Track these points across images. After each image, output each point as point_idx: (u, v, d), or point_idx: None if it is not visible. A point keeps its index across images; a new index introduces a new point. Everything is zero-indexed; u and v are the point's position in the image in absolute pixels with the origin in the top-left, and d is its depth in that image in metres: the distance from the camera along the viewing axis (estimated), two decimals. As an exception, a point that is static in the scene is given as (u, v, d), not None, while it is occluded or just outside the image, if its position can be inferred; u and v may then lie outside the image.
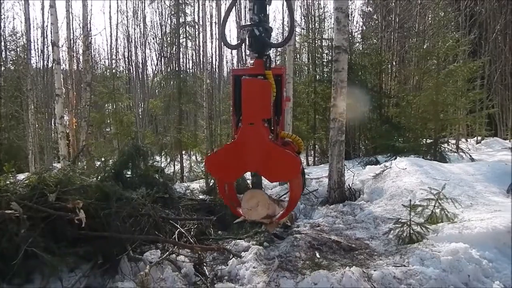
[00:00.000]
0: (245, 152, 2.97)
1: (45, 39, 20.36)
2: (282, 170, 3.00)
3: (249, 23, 3.09)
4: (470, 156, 10.52)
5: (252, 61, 3.11)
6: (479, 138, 16.72)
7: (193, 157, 16.27)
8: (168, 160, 13.29)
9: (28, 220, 3.40)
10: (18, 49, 19.53)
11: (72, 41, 16.21)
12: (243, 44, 3.49)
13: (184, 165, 13.80)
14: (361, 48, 16.49)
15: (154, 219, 4.57)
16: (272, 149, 2.99)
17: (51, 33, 10.65)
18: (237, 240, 4.93)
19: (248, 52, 3.35)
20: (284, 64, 12.96)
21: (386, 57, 15.56)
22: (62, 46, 14.75)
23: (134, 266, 3.87)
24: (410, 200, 5.07)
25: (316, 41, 16.11)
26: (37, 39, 21.78)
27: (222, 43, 3.65)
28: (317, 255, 4.34)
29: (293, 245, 4.53)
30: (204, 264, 4.21)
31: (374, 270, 3.72)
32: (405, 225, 4.64)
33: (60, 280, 3.38)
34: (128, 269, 3.80)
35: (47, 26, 19.43)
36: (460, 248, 3.99)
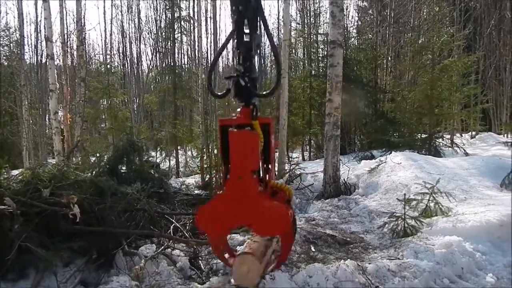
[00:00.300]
0: (234, 206, 2.87)
1: (39, 34, 20.15)
2: (272, 224, 2.87)
3: (234, 74, 3.13)
4: (465, 150, 10.58)
5: (239, 110, 3.00)
6: (474, 133, 16.82)
7: (189, 153, 16.27)
8: (164, 155, 13.28)
9: (22, 215, 3.38)
10: (11, 44, 19.32)
11: (66, 36, 16.08)
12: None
13: (179, 160, 13.79)
14: (356, 43, 16.50)
15: (149, 213, 4.56)
16: (261, 203, 2.88)
17: (45, 28, 10.53)
18: (233, 235, 4.94)
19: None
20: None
21: (381, 52, 15.59)
22: (55, 41, 14.60)
23: (129, 260, 3.86)
24: (405, 194, 5.10)
25: (312, 36, 16.10)
26: (31, 34, 21.57)
27: (209, 92, 3.62)
28: (312, 248, 4.35)
29: (288, 239, 4.54)
30: (200, 258, 4.21)
31: (369, 263, 3.75)
32: (400, 218, 4.67)
33: (54, 275, 3.36)
34: (123, 264, 3.79)
35: (40, 21, 19.22)
36: (454, 241, 4.03)
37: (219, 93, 3.81)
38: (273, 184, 3.37)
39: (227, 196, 2.87)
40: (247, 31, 3.15)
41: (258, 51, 3.37)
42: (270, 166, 3.27)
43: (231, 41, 3.32)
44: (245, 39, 3.14)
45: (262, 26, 3.59)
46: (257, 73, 3.30)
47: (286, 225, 3.14)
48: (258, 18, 3.22)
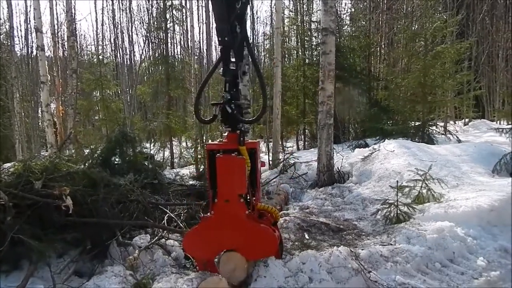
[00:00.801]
0: (222, 230, 3.02)
1: (29, 25, 19.88)
2: (260, 247, 3.06)
3: (221, 101, 3.15)
4: (458, 137, 10.65)
5: (226, 134, 3.19)
6: (467, 119, 16.92)
7: (183, 144, 16.21)
8: (158, 146, 13.23)
9: (14, 207, 3.37)
10: (1, 36, 19.02)
11: (56, 27, 15.87)
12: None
13: (174, 151, 13.75)
14: (349, 31, 16.42)
15: (143, 204, 4.56)
16: (249, 226, 3.04)
17: (34, 19, 10.38)
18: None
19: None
20: (273, 48, 12.86)
21: (374, 40, 15.53)
22: (46, 32, 14.45)
23: (124, 250, 3.87)
24: (398, 182, 5.14)
25: (305, 24, 15.99)
26: (20, 25, 21.28)
27: (196, 118, 3.83)
28: (306, 236, 4.38)
29: (282, 227, 4.57)
30: (194, 247, 4.22)
31: (362, 249, 3.78)
32: (393, 205, 4.71)
33: (48, 266, 3.37)
34: (117, 254, 3.80)
35: (30, 11, 18.93)
36: (445, 227, 4.07)
37: (205, 119, 3.90)
38: (260, 206, 3.39)
39: (215, 219, 3.05)
40: (233, 60, 3.18)
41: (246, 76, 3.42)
42: (256, 189, 3.31)
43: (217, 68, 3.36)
44: (231, 68, 3.16)
45: (249, 55, 3.59)
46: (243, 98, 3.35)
47: (274, 247, 3.17)
48: (245, 44, 3.24)
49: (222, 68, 3.18)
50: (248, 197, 3.22)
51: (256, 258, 3.14)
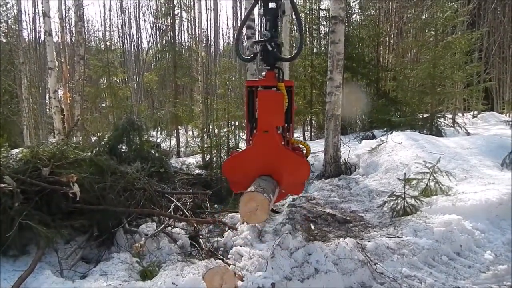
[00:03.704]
0: (260, 157, 3.24)
1: (36, 9, 19.86)
2: (295, 173, 3.29)
3: (261, 39, 3.31)
4: (466, 130, 10.52)
5: (264, 73, 3.35)
6: (476, 112, 16.71)
7: (190, 132, 16.23)
8: (164, 135, 13.25)
9: (22, 193, 3.39)
10: (9, 20, 19.01)
11: (64, 12, 15.79)
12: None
13: (180, 140, 13.77)
14: (358, 19, 16.18)
15: (149, 193, 4.57)
16: (285, 154, 3.28)
17: (42, 3, 10.34)
18: (233, 213, 4.97)
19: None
20: (280, 35, 12.73)
21: (384, 29, 15.30)
22: (53, 17, 14.37)
23: (130, 238, 3.91)
24: (405, 174, 5.10)
25: (313, 12, 15.76)
26: (28, 10, 21.28)
27: (237, 56, 3.97)
28: (312, 227, 4.38)
29: (288, 218, 4.57)
30: (200, 236, 4.25)
31: (368, 241, 3.78)
32: (400, 198, 4.68)
33: (55, 251, 3.41)
34: (124, 241, 3.83)
35: (37, -5, 18.90)
36: (453, 220, 4.05)
37: (246, 57, 4.05)
38: (293, 141, 3.63)
39: (254, 147, 3.28)
40: None
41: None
42: (291, 125, 3.48)
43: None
44: (271, 7, 3.28)
45: None
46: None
47: (307, 173, 3.40)
48: None
49: (262, 8, 3.32)
50: (284, 133, 3.46)
51: (290, 181, 3.35)
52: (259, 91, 3.25)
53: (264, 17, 3.33)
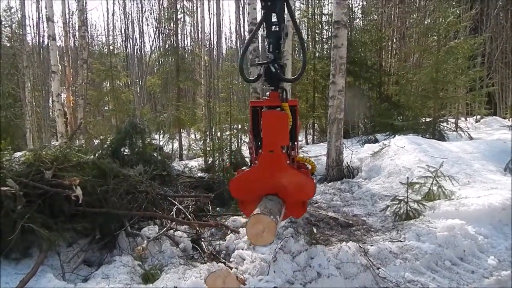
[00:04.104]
0: (266, 176, 3.29)
1: (40, 14, 19.99)
2: (300, 191, 3.33)
3: (265, 61, 3.40)
4: (469, 134, 10.50)
5: (268, 93, 3.44)
6: (478, 116, 16.67)
7: (192, 135, 16.24)
8: (167, 138, 13.27)
9: (25, 196, 3.38)
10: (13, 25, 19.14)
11: (67, 16, 15.92)
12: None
13: (183, 143, 13.78)
14: (361, 24, 16.22)
15: (152, 196, 4.57)
16: (291, 173, 3.33)
17: (46, 7, 10.41)
18: (235, 217, 4.97)
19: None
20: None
21: (386, 34, 15.32)
22: (57, 21, 14.50)
23: (132, 241, 3.90)
24: (408, 178, 5.07)
25: (316, 17, 15.81)
26: (32, 14, 21.43)
27: (241, 76, 4.10)
28: (315, 231, 4.36)
29: (291, 221, 4.56)
30: (202, 239, 4.24)
31: (371, 245, 3.76)
32: (402, 202, 4.66)
33: (58, 254, 3.40)
34: (126, 244, 3.82)
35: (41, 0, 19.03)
36: (456, 224, 4.02)
37: (250, 79, 4.16)
38: (298, 158, 3.67)
39: (260, 167, 3.33)
40: (275, 21, 3.36)
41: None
42: (295, 143, 3.49)
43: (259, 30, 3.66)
44: (273, 29, 3.36)
45: (289, 15, 3.87)
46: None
47: (312, 191, 3.41)
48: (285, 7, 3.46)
49: (265, 30, 3.38)
50: (288, 151, 3.51)
51: (295, 200, 3.39)
52: (263, 111, 3.31)
53: (267, 39, 3.39)
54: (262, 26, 3.46)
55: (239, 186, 3.44)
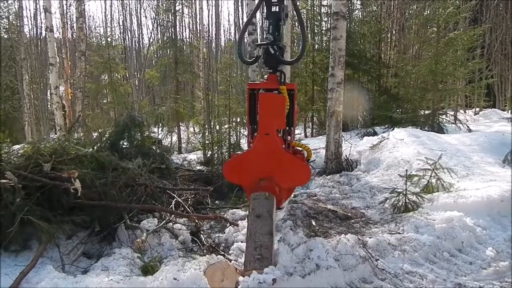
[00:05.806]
0: (261, 159, 3.23)
1: (38, 5, 19.83)
2: (294, 176, 3.29)
3: (264, 42, 3.31)
4: (468, 127, 10.50)
5: (266, 76, 3.34)
6: (477, 109, 16.67)
7: (191, 129, 16.23)
8: (166, 131, 13.25)
9: (23, 189, 3.39)
10: (10, 16, 18.98)
11: (65, 7, 15.79)
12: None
13: (181, 136, 13.76)
14: (360, 16, 16.12)
15: (150, 188, 4.58)
16: (285, 157, 3.26)
17: (43, -1, 10.34)
18: (234, 209, 4.99)
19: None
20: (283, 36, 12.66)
21: (385, 25, 15.25)
22: (55, 12, 14.34)
23: (131, 233, 3.91)
24: (407, 170, 5.07)
25: (315, 8, 15.70)
26: (30, 5, 21.27)
27: (240, 59, 3.98)
28: (313, 223, 4.38)
29: (290, 214, 4.57)
30: (201, 232, 4.25)
31: (369, 237, 3.77)
32: (401, 194, 4.67)
33: (57, 247, 3.41)
34: (125, 237, 3.84)
35: (39, -10, 18.86)
36: (454, 216, 4.04)
37: (248, 60, 4.09)
38: (294, 144, 3.61)
39: (254, 150, 3.27)
40: (275, 1, 3.29)
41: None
42: (292, 129, 3.48)
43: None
44: (273, 10, 3.28)
45: None
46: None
47: (307, 177, 3.39)
48: None
49: (265, 11, 3.33)
50: (285, 136, 3.49)
51: (290, 185, 3.37)
52: (260, 93, 3.24)
53: (267, 20, 3.35)
54: (261, 6, 3.38)
55: (232, 169, 3.40)
